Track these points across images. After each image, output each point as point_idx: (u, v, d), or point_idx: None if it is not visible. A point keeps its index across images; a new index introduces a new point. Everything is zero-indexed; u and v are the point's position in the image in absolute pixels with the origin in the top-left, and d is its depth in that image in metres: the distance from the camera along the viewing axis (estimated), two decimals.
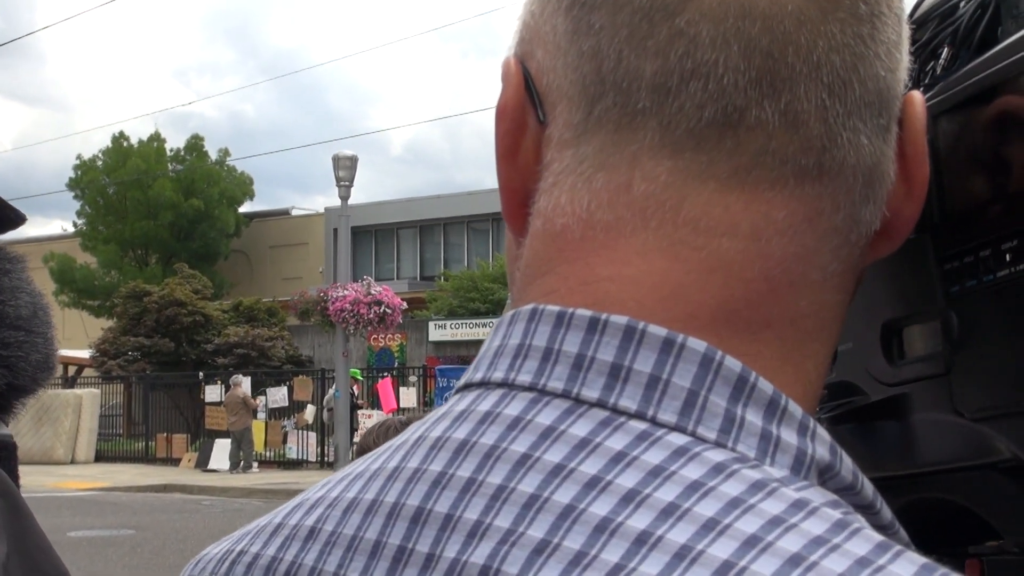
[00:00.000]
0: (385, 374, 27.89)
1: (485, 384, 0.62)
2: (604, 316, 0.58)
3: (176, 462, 29.25)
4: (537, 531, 0.53)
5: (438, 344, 31.75)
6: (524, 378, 0.60)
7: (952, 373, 1.05)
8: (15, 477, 1.53)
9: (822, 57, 0.59)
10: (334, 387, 25.23)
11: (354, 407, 24.70)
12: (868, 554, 0.49)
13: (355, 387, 25.99)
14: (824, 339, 0.63)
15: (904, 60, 0.65)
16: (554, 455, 0.56)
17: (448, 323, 31.90)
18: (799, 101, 0.59)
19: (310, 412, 27.73)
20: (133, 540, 15.26)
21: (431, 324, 31.92)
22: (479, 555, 0.54)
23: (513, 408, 0.59)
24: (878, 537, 0.51)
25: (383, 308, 25.16)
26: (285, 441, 27.81)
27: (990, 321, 1.00)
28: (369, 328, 25.88)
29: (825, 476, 0.57)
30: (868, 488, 0.59)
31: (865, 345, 1.17)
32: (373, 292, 25.23)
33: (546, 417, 0.57)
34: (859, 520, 0.53)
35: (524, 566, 0.52)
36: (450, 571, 0.54)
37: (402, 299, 26.60)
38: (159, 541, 15.16)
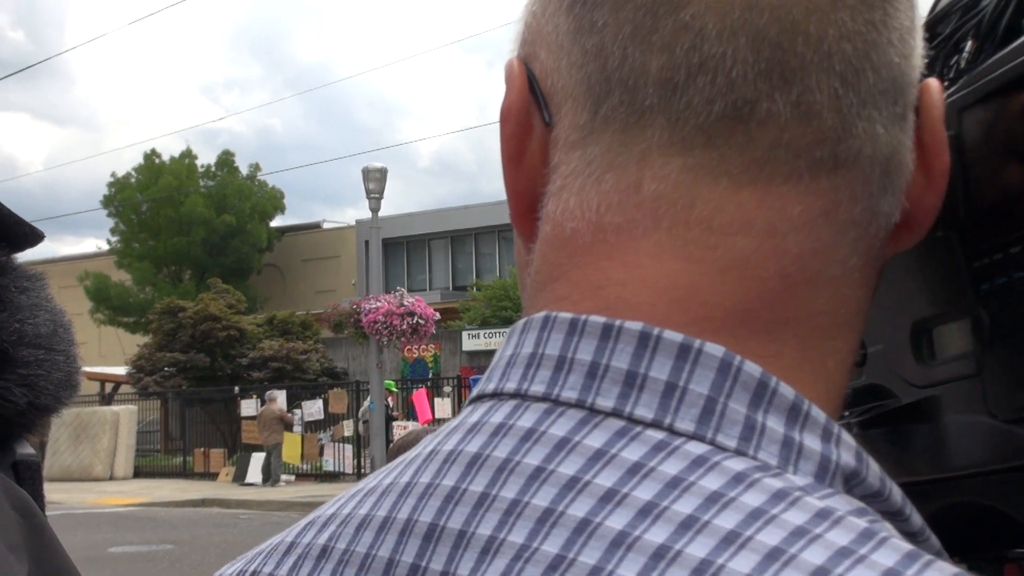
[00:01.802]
0: (419, 385, 27.96)
1: (498, 395, 0.60)
2: (618, 322, 0.57)
3: (214, 476, 29.40)
4: (552, 546, 0.52)
5: (472, 354, 31.78)
6: (537, 388, 0.58)
7: (984, 373, 1.03)
8: (39, 496, 1.52)
9: (833, 46, 0.57)
10: (369, 399, 25.31)
11: (389, 419, 24.75)
12: (896, 565, 0.48)
13: (390, 399, 26.06)
14: (846, 336, 0.60)
15: (918, 46, 0.63)
16: (568, 467, 0.54)
17: (481, 332, 31.92)
18: (811, 92, 0.57)
19: (347, 425, 27.82)
20: (172, 555, 15.33)
21: (464, 334, 31.96)
22: (493, 572, 0.53)
23: (526, 419, 0.57)
24: (906, 546, 0.49)
25: (416, 319, 25.22)
26: (321, 454, 27.91)
27: (1021, 319, 0.97)
28: (402, 339, 25.94)
29: (851, 483, 0.55)
30: (896, 494, 0.56)
31: (895, 347, 1.15)
32: (406, 303, 25.29)
33: (560, 428, 0.56)
34: (886, 528, 0.51)
35: None
36: None
37: (435, 309, 26.65)
38: (198, 556, 15.22)
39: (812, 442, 0.54)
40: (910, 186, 0.62)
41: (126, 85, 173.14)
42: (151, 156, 45.42)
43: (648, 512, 0.51)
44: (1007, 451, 1.02)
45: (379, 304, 25.13)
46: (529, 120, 0.64)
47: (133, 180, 45.40)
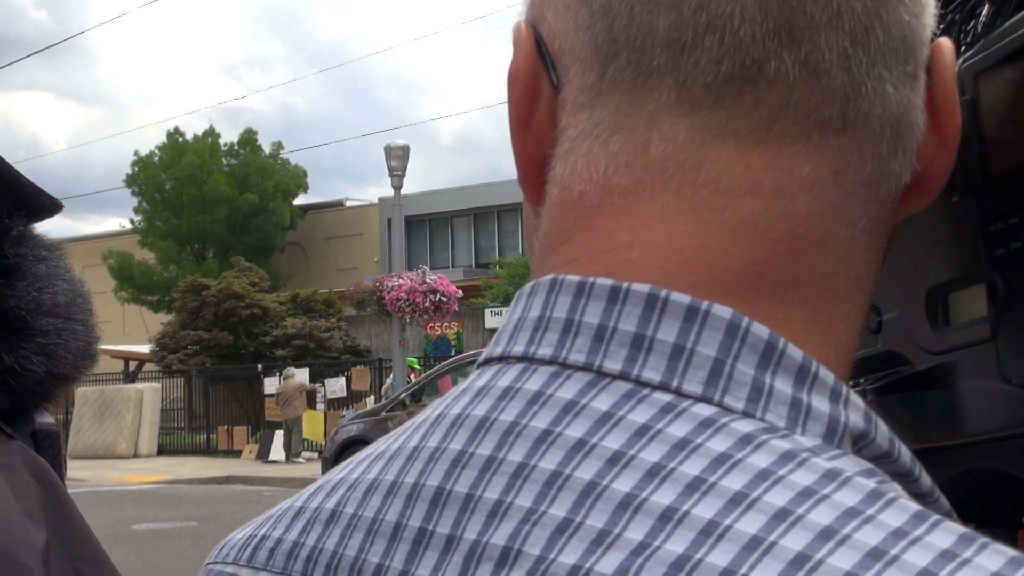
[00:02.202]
0: (443, 365, 28.02)
1: (505, 359, 0.60)
2: (625, 284, 0.56)
3: (237, 454, 29.50)
4: (559, 510, 0.52)
5: (495, 331, 31.67)
6: (545, 351, 0.58)
7: (998, 338, 1.02)
8: (59, 465, 1.53)
9: (842, 3, 0.57)
10: (392, 376, 25.34)
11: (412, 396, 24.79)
12: (904, 525, 0.47)
13: (412, 376, 26.09)
14: (855, 298, 0.60)
15: (930, 5, 0.63)
16: (576, 430, 0.54)
17: (504, 310, 31.87)
18: (820, 51, 0.57)
19: (369, 402, 27.87)
20: (196, 532, 15.40)
21: (487, 311, 31.95)
22: (500, 536, 0.53)
23: (533, 383, 0.57)
24: (914, 507, 0.49)
25: (439, 296, 25.25)
26: None
27: None
28: (425, 317, 25.99)
29: (860, 444, 0.54)
30: (906, 455, 0.56)
31: (910, 313, 1.15)
32: (428, 281, 25.33)
33: (567, 391, 0.56)
34: (895, 489, 0.51)
35: (546, 546, 0.51)
36: (471, 553, 0.53)
37: (457, 287, 26.67)
38: (222, 532, 15.25)
39: (820, 403, 0.54)
40: (921, 148, 0.62)
41: (149, 64, 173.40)
42: (174, 135, 45.50)
43: (655, 474, 0.51)
44: (1021, 416, 1.02)
45: (402, 282, 25.17)
46: (537, 83, 0.63)
47: (156, 159, 45.51)
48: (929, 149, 0.62)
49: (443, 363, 19.96)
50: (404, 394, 19.02)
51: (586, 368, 0.56)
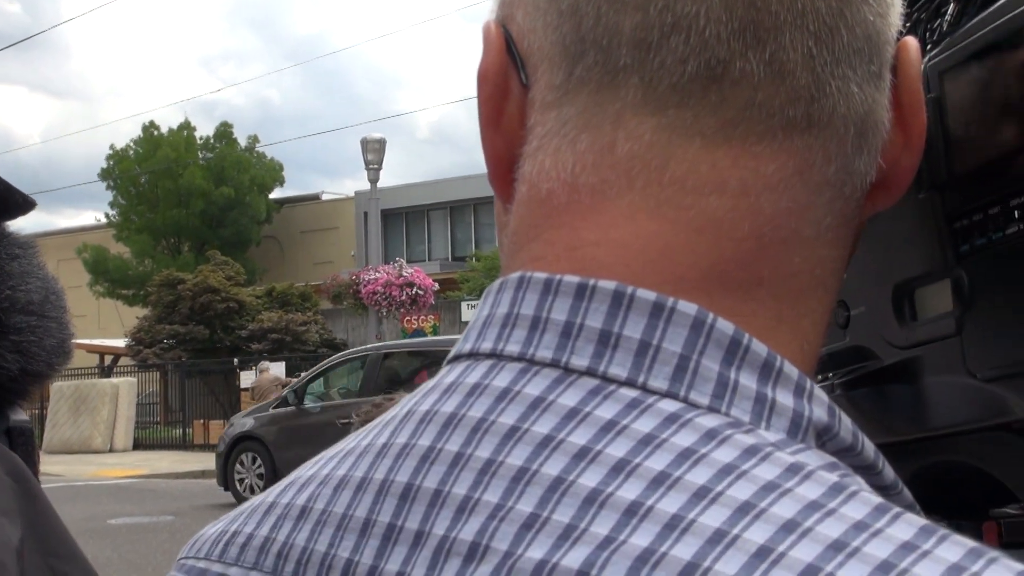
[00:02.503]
0: (327, 361, 27.91)
1: (474, 355, 0.61)
2: (592, 282, 0.57)
3: (214, 448, 29.30)
4: (526, 505, 0.52)
5: None
6: (513, 348, 0.58)
7: (963, 334, 1.04)
8: (33, 462, 1.53)
9: (807, 4, 0.57)
10: None
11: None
12: (865, 517, 0.48)
13: None
14: (821, 296, 0.61)
15: (896, 5, 0.63)
16: (542, 426, 0.54)
17: None
18: (784, 51, 0.57)
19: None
20: (172, 526, 15.36)
21: (464, 304, 31.91)
22: (468, 531, 0.53)
23: (501, 379, 0.57)
24: (876, 499, 0.50)
25: (415, 290, 25.26)
26: None
27: (1000, 279, 0.98)
28: (402, 310, 25.99)
29: (824, 438, 0.55)
30: (869, 448, 0.57)
31: (878, 308, 1.16)
32: (405, 274, 25.33)
33: (535, 387, 0.56)
34: (857, 482, 0.51)
35: (514, 541, 0.51)
36: (439, 548, 0.53)
37: (434, 280, 26.67)
38: (198, 526, 15.09)
39: (784, 398, 0.55)
40: (887, 146, 0.62)
41: (123, 57, 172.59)
42: (149, 128, 45.29)
43: (621, 469, 0.51)
44: (985, 410, 1.03)
45: (378, 275, 25.18)
46: (507, 82, 0.64)
47: (131, 152, 45.31)
48: (895, 148, 0.63)
49: (327, 360, 19.81)
50: (287, 391, 18.84)
51: (553, 364, 0.56)
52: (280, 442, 17.88)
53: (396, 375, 18.06)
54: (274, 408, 18.71)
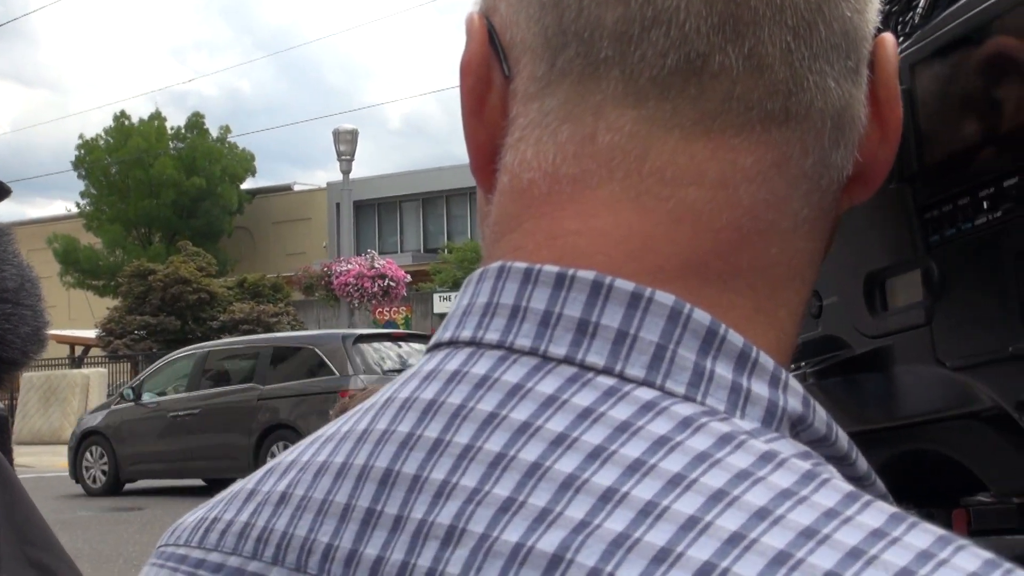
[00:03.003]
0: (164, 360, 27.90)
1: (454, 343, 0.61)
2: (571, 271, 0.58)
3: None
4: (503, 489, 0.52)
5: (443, 316, 31.21)
6: (492, 336, 0.59)
7: (933, 323, 1.05)
8: (7, 451, 1.53)
9: None
10: None
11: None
12: (836, 505, 0.49)
13: None
14: (797, 287, 0.62)
15: (874, 1, 0.64)
16: (520, 413, 0.55)
17: (452, 295, 31.80)
18: (763, 45, 0.58)
19: None
20: (143, 518, 15.30)
21: (436, 296, 31.94)
22: (445, 515, 0.53)
23: (480, 367, 0.58)
24: (847, 487, 0.50)
25: (387, 281, 25.25)
26: None
27: (969, 269, 0.99)
28: (374, 301, 25.99)
29: (798, 428, 0.56)
30: (843, 439, 0.58)
31: (850, 298, 1.17)
32: (377, 265, 25.29)
33: (513, 375, 0.57)
34: (829, 471, 0.52)
35: (490, 524, 0.52)
36: (417, 532, 0.54)
37: (406, 272, 26.65)
38: (169, 518, 15.11)
39: (760, 388, 0.56)
40: (864, 141, 0.63)
41: (94, 46, 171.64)
42: (121, 118, 45.08)
43: (597, 455, 0.52)
44: (954, 398, 1.04)
45: (350, 266, 25.16)
46: (489, 73, 0.64)
47: (102, 142, 45.09)
48: (871, 142, 0.64)
49: (164, 357, 20.22)
50: (126, 388, 19.25)
51: (532, 353, 0.57)
52: (120, 436, 18.34)
53: (220, 372, 18.42)
54: (115, 405, 19.20)
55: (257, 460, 16.07)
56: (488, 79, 0.64)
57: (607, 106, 0.60)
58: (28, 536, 1.39)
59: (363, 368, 16.30)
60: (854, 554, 0.46)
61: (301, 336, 19.56)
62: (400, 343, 17.96)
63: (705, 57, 0.58)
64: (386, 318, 30.85)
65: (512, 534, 0.51)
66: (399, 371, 18.94)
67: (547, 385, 0.55)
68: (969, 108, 0.97)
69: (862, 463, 0.59)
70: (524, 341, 0.58)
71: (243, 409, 16.94)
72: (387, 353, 17.27)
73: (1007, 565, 0.47)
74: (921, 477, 1.29)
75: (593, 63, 0.60)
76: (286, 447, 16.77)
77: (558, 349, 0.56)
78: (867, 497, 0.50)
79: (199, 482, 17.98)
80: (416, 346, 17.72)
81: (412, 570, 0.53)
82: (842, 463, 0.57)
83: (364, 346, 16.91)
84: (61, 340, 35.95)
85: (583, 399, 0.54)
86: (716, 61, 0.58)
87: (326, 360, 16.61)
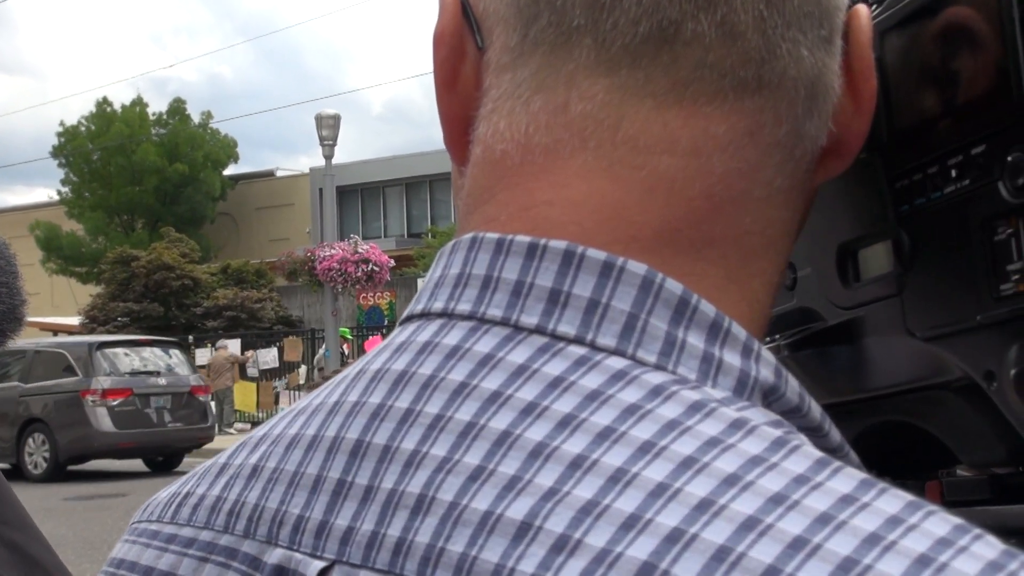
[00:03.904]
0: (375, 333, 27.95)
1: (426, 315, 0.61)
2: (543, 241, 0.57)
3: None
4: (472, 458, 0.52)
5: None
6: (464, 307, 0.59)
7: (904, 293, 1.05)
8: None
9: None
10: (324, 347, 25.29)
11: (344, 366, 24.67)
12: (806, 471, 0.49)
13: (345, 346, 26.06)
14: (771, 257, 0.61)
15: None
16: (491, 382, 0.55)
17: None
18: (735, 13, 0.58)
19: (302, 373, 27.79)
20: (127, 503, 15.29)
21: (420, 281, 31.79)
22: (415, 484, 0.53)
23: (452, 337, 0.58)
24: (817, 454, 0.50)
25: (371, 266, 25.20)
26: (277, 402, 27.82)
27: (938, 239, 0.99)
28: (357, 287, 25.94)
29: (770, 398, 0.56)
30: (815, 410, 0.58)
31: (823, 270, 1.17)
32: (360, 250, 25.24)
33: (484, 345, 0.57)
34: (799, 438, 0.52)
35: (459, 492, 0.52)
36: (387, 502, 0.54)
37: (390, 257, 26.61)
38: None
39: (732, 358, 0.55)
40: (838, 111, 0.63)
41: (73, 32, 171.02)
42: (103, 104, 44.96)
43: (567, 424, 0.52)
44: (925, 369, 1.04)
45: (334, 252, 25.09)
46: (462, 44, 0.64)
47: (84, 129, 44.96)
48: (845, 113, 0.64)
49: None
50: None
51: (503, 323, 0.57)
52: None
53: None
54: None
55: (18, 449, 19.63)
56: (461, 50, 0.64)
57: (579, 75, 0.59)
58: (1, 515, 1.38)
59: (106, 371, 19.68)
60: (823, 519, 0.46)
61: (57, 342, 22.68)
62: (142, 348, 20.99)
63: (677, 24, 0.58)
64: (370, 303, 30.84)
65: (481, 502, 0.51)
66: (143, 373, 19.51)
67: (518, 355, 0.55)
68: (937, 76, 0.97)
69: (835, 434, 0.59)
70: (496, 311, 0.57)
71: (7, 403, 19.63)
72: (127, 359, 20.41)
73: (976, 530, 0.47)
74: (896, 449, 1.29)
75: (565, 32, 0.59)
76: (44, 442, 19.10)
77: (529, 319, 0.56)
78: (836, 463, 0.50)
79: (181, 468, 18.04)
80: (157, 351, 20.78)
81: (382, 539, 0.53)
82: (815, 434, 0.57)
83: (108, 351, 20.21)
84: (44, 327, 35.86)
85: (554, 368, 0.54)
86: (688, 28, 0.58)
87: (73, 363, 19.62)
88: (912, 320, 1.02)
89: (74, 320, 35.53)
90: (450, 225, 36.73)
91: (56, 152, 44.99)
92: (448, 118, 0.66)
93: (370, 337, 27.29)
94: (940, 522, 0.47)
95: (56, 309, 42.14)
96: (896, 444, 1.28)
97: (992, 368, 0.95)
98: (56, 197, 46.61)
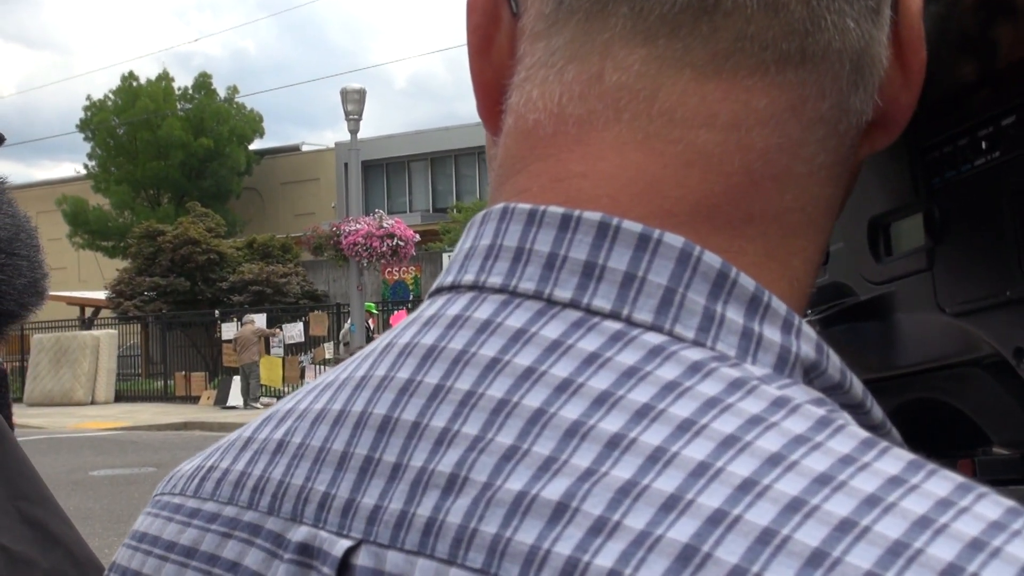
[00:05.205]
0: (400, 307, 28.00)
1: (456, 288, 0.59)
2: (576, 213, 0.56)
3: (195, 400, 29.44)
4: (506, 437, 0.51)
5: None
6: (495, 280, 0.57)
7: (935, 268, 1.03)
8: (6, 405, 1.52)
9: None
10: (349, 321, 25.35)
11: (370, 340, 24.71)
12: (852, 452, 0.47)
13: (370, 321, 26.10)
14: (812, 235, 0.60)
15: None
16: (524, 358, 0.53)
17: None
18: None
19: (328, 348, 27.88)
20: (154, 478, 15.37)
21: (445, 256, 31.87)
22: (446, 463, 0.52)
23: (483, 311, 0.56)
24: (863, 434, 0.49)
25: (396, 241, 25.23)
26: (303, 376, 27.93)
27: (969, 212, 0.98)
28: (383, 261, 25.97)
29: (811, 375, 0.54)
30: (857, 387, 0.56)
31: (854, 244, 1.15)
32: (385, 225, 25.26)
33: (516, 319, 0.55)
34: (844, 417, 0.50)
35: (492, 472, 0.50)
36: (417, 480, 0.53)
37: (415, 232, 26.63)
38: None
39: (772, 333, 0.54)
40: (885, 84, 0.61)
41: (96, 7, 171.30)
42: (128, 79, 45.05)
43: (603, 401, 0.50)
44: (955, 346, 1.02)
45: (359, 226, 25.12)
46: (497, 11, 0.62)
47: (109, 103, 45.08)
48: (893, 85, 0.61)
49: None
50: None
51: (536, 296, 0.55)
52: None
53: None
54: None
55: None
56: (496, 17, 0.63)
57: (615, 44, 0.58)
58: (21, 491, 1.38)
59: None
60: (871, 501, 0.45)
61: None
62: None
63: None
64: (395, 278, 30.87)
65: (515, 482, 0.50)
66: None
67: (551, 330, 0.54)
68: (968, 47, 0.95)
69: (877, 411, 0.57)
70: (528, 284, 0.56)
71: None
72: None
73: None
74: (929, 426, 1.28)
75: (601, 0, 0.58)
76: None
77: (563, 292, 0.55)
78: (884, 444, 0.48)
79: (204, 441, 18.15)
80: None
81: (411, 519, 0.52)
82: (857, 411, 0.55)
83: None
84: (71, 302, 36.10)
85: (589, 344, 0.53)
86: None
87: None
88: (942, 295, 1.01)
89: (101, 294, 35.71)
90: (475, 200, 36.77)
91: (82, 126, 45.14)
92: (481, 86, 0.64)
93: (395, 312, 27.30)
94: (992, 504, 0.45)
95: (83, 284, 42.41)
96: (928, 421, 1.26)
97: (1022, 345, 0.94)
98: (83, 172, 46.79)
